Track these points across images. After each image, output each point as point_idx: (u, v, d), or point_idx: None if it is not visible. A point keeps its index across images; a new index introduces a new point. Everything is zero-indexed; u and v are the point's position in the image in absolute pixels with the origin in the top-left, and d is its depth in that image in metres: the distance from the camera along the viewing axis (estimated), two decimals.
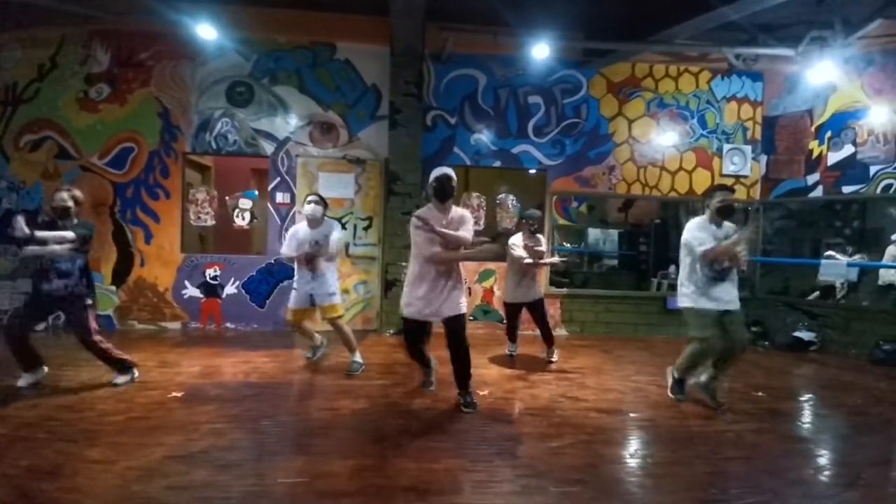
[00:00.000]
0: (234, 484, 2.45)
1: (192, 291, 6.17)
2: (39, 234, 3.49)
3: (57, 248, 3.54)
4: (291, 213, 6.19)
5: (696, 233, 3.63)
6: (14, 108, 5.93)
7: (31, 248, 3.50)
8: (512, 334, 5.21)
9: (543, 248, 5.08)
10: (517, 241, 4.85)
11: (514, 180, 7.44)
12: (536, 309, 4.95)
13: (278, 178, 6.27)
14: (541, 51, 5.85)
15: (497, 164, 6.61)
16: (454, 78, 6.46)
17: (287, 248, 4.40)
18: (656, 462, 2.93)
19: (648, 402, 3.93)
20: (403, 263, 5.37)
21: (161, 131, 6.09)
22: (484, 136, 6.54)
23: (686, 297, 3.70)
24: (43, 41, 5.92)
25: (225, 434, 3.03)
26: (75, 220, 3.73)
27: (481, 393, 3.92)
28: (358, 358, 4.45)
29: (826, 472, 2.91)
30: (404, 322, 3.67)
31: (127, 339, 5.43)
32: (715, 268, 3.61)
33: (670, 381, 3.99)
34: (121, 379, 3.90)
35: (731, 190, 3.84)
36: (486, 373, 4.57)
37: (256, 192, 6.57)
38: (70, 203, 3.69)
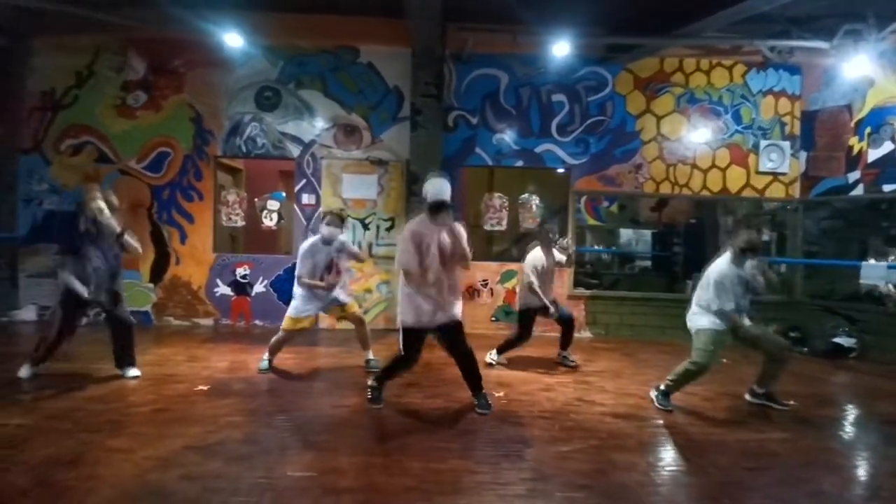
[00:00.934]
0: (244, 475, 2.54)
1: (223, 289, 6.40)
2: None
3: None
4: (317, 214, 6.30)
5: (730, 276, 3.68)
6: (54, 113, 6.28)
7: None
8: (509, 345, 4.81)
9: (562, 256, 4.86)
10: (536, 262, 4.64)
11: (536, 180, 7.35)
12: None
13: (304, 180, 6.43)
14: (561, 48, 5.77)
15: (520, 163, 6.56)
16: (475, 78, 6.45)
17: (307, 273, 4.21)
18: (669, 470, 2.87)
19: None
20: None
21: (194, 136, 6.35)
22: (506, 136, 6.50)
23: (712, 322, 3.68)
24: (79, 49, 6.24)
25: (241, 427, 3.15)
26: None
27: (497, 394, 3.91)
28: (371, 355, 4.55)
29: (847, 485, 2.77)
30: (411, 334, 3.50)
31: (162, 335, 5.71)
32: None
33: (654, 394, 3.84)
34: (133, 371, 4.10)
35: (757, 230, 3.84)
36: (503, 374, 4.55)
37: (284, 194, 6.75)
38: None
